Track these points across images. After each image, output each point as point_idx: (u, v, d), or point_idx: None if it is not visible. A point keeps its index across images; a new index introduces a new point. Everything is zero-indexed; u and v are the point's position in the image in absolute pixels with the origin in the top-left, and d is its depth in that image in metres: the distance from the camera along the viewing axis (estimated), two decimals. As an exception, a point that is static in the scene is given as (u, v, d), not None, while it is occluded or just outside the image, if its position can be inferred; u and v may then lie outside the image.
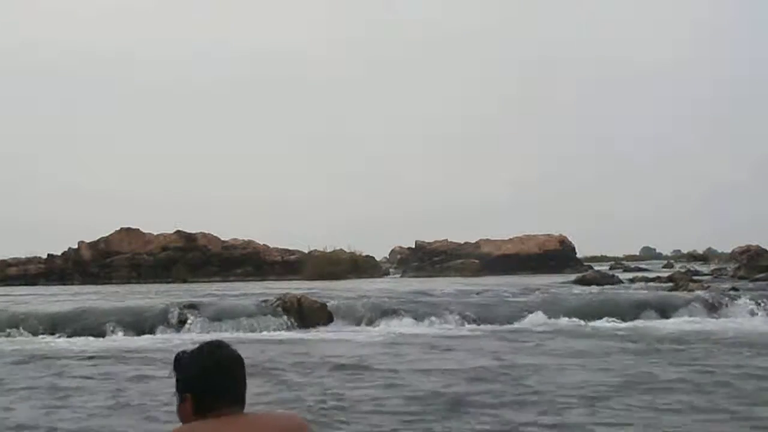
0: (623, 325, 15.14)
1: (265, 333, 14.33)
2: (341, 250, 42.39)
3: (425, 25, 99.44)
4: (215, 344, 2.50)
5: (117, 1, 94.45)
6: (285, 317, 15.21)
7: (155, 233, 42.68)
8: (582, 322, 15.39)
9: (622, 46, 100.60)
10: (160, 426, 6.40)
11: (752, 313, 16.19)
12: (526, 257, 45.50)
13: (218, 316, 15.12)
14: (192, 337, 13.97)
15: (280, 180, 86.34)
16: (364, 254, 43.50)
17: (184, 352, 2.50)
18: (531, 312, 16.14)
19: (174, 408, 2.37)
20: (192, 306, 15.75)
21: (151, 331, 14.45)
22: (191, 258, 41.13)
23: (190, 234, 42.51)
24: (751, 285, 23.36)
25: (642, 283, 27.03)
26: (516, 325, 15.17)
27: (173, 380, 2.43)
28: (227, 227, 79.34)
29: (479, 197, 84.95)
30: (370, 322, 15.44)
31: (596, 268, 41.87)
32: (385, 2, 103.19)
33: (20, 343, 13.33)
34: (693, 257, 60.31)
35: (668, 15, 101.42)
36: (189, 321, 14.91)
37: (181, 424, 2.40)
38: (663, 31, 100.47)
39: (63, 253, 41.83)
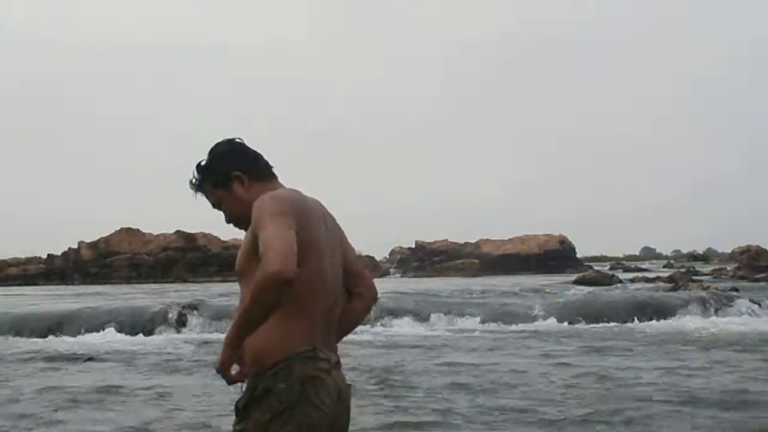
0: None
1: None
2: (341, 250, 42.36)
3: (425, 24, 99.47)
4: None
5: (117, 1, 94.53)
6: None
7: (155, 233, 42.70)
8: (587, 324, 15.36)
9: (622, 45, 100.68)
10: (164, 424, 6.40)
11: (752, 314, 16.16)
12: (526, 257, 45.50)
13: (218, 316, 15.08)
14: (192, 336, 13.98)
15: (280, 180, 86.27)
16: (364, 254, 43.49)
17: (217, 143, 2.52)
18: (536, 312, 16.09)
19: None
20: (192, 306, 15.74)
21: (151, 332, 14.43)
22: (191, 258, 41.14)
23: (190, 234, 42.50)
24: (751, 285, 23.37)
25: (642, 283, 27.01)
26: (521, 326, 15.12)
27: (204, 176, 2.46)
28: (227, 227, 79.01)
29: (479, 197, 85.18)
30: (371, 322, 15.40)
31: (596, 268, 41.84)
32: (385, 2, 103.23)
33: (20, 343, 13.33)
34: (693, 257, 60.37)
35: (668, 15, 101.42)
36: (189, 321, 14.91)
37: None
38: (663, 31, 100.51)
39: (63, 253, 41.85)
